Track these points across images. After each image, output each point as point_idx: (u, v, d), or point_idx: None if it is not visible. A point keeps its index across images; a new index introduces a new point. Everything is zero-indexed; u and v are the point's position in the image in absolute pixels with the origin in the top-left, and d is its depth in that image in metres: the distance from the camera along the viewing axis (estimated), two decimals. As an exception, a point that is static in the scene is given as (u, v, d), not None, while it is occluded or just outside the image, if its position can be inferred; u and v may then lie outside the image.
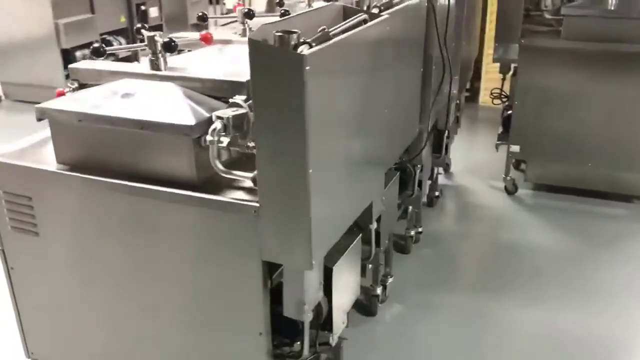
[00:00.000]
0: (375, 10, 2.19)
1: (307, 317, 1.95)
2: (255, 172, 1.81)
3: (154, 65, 2.15)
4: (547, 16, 4.30)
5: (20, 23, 6.49)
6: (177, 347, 2.18)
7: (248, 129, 1.88)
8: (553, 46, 4.10)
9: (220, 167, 1.87)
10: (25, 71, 6.66)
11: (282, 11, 2.68)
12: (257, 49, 1.62)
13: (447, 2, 2.95)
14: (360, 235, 2.39)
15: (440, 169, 4.57)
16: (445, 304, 3.31)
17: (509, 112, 4.53)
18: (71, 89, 2.27)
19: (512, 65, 4.71)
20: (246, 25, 2.58)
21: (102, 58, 2.15)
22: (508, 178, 4.59)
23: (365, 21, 1.99)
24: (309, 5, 3.12)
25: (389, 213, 2.87)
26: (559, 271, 3.64)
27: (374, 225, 2.61)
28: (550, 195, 4.58)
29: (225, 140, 1.86)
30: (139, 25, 2.27)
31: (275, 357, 2.09)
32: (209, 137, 1.82)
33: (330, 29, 1.77)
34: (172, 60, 2.30)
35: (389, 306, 3.33)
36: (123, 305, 2.22)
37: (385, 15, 2.11)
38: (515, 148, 4.47)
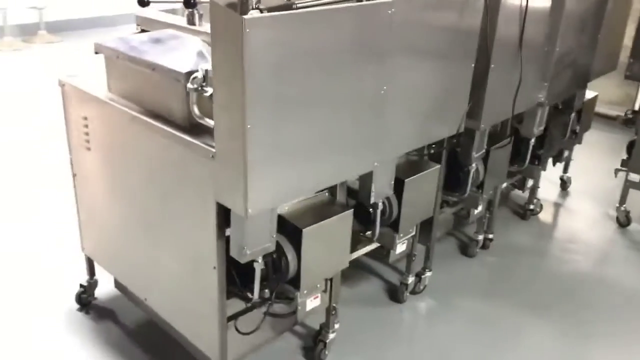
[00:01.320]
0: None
1: (245, 260, 2.13)
2: (219, 120, 2.02)
3: (190, 19, 2.45)
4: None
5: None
6: (157, 257, 2.54)
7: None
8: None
9: (197, 112, 2.11)
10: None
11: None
12: (214, 9, 1.82)
13: (522, 5, 2.83)
14: (352, 210, 2.47)
15: (547, 183, 4.32)
16: (480, 314, 3.22)
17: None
18: (135, 32, 2.66)
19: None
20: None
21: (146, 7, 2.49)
22: (622, 208, 4.19)
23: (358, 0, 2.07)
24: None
25: (418, 203, 2.89)
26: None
27: (379, 207, 2.68)
28: (664, 236, 4.11)
29: (210, 91, 2.09)
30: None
31: (229, 292, 2.30)
32: (188, 85, 2.08)
33: (301, 2, 1.90)
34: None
35: (421, 299, 3.33)
36: (135, 212, 2.60)
37: (390, -2, 2.15)
38: (635, 177, 4.07)
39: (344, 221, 2.46)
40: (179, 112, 2.24)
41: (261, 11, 1.80)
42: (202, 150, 2.08)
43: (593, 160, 5.11)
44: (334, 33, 2.01)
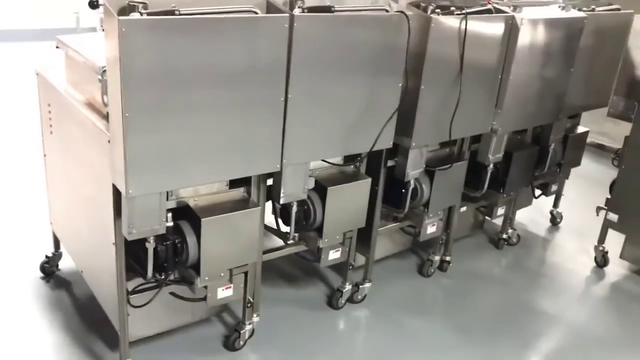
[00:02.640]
0: (297, 10, 2.43)
1: (131, 238, 2.36)
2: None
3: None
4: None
5: None
6: (84, 232, 2.81)
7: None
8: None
9: (106, 101, 2.38)
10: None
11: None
12: (105, 11, 2.09)
13: (461, 27, 2.92)
14: (259, 208, 2.66)
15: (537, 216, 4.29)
16: (411, 330, 3.29)
17: (618, 176, 4.03)
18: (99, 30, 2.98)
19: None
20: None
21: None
22: (600, 248, 4.10)
23: (254, 13, 2.28)
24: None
25: (343, 213, 3.01)
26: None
27: (293, 209, 2.84)
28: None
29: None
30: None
31: (127, 270, 2.55)
32: (98, 76, 2.35)
33: (186, 9, 2.13)
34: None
35: (356, 308, 3.43)
36: (72, 190, 2.90)
37: (286, 14, 2.34)
38: (613, 217, 3.97)
39: (250, 217, 2.64)
40: (100, 102, 2.52)
41: (141, 14, 2.04)
42: (103, 134, 2.35)
43: (590, 194, 4.95)
44: (222, 41, 2.22)
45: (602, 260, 4.10)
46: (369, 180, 3.05)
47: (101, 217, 2.54)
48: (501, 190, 3.78)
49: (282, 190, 2.71)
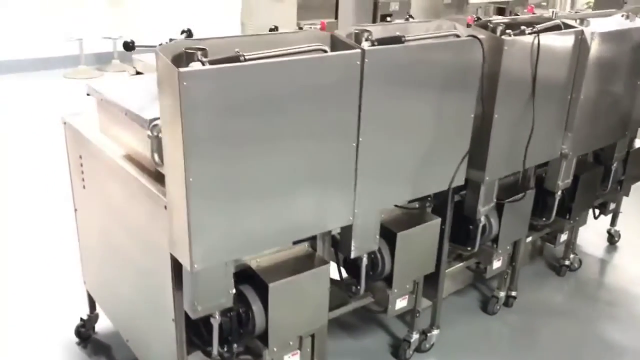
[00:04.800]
0: (366, 44, 2.14)
1: (196, 316, 2.06)
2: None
3: (174, 64, 2.44)
4: None
5: (272, 19, 7.38)
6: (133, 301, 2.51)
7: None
8: None
9: (157, 159, 2.08)
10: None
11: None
12: (158, 60, 1.79)
13: (534, 46, 2.64)
14: (328, 265, 2.36)
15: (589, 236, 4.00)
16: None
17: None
18: (131, 74, 2.70)
19: None
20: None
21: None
22: (668, 269, 3.81)
23: (324, 51, 1.99)
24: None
25: (414, 257, 2.73)
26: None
27: (363, 261, 2.54)
28: None
29: (172, 138, 2.06)
30: (184, 29, 2.57)
31: (192, 344, 2.24)
32: (147, 132, 2.05)
33: (250, 53, 1.84)
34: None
35: (426, 358, 3.13)
36: (116, 254, 2.60)
37: (358, 49, 2.06)
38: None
39: (320, 277, 2.35)
40: (146, 158, 2.22)
41: (203, 63, 1.75)
42: (158, 199, 2.05)
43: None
44: (291, 86, 1.93)
45: (672, 283, 3.81)
46: (439, 220, 2.76)
47: (155, 289, 2.24)
48: (567, 217, 3.49)
49: (352, 244, 2.41)
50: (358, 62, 2.06)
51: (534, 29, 2.66)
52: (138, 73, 2.70)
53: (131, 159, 2.34)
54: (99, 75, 8.48)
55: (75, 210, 2.96)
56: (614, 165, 3.69)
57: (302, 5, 7.05)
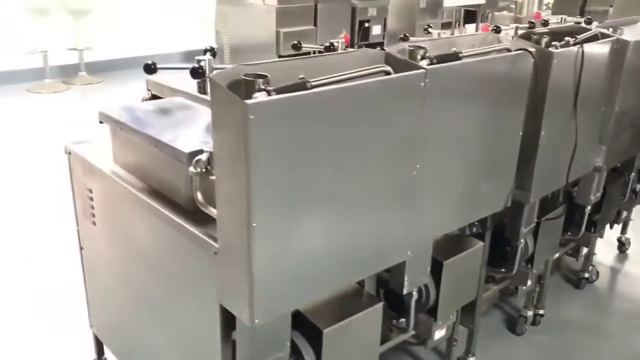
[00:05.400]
0: (424, 62, 1.95)
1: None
2: (223, 212, 1.76)
3: (201, 88, 2.21)
4: None
5: (251, 29, 7.13)
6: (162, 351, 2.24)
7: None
8: None
9: (200, 198, 1.84)
10: (249, 71, 7.31)
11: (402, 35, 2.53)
12: (215, 90, 1.56)
13: (577, 57, 2.50)
14: (382, 303, 2.16)
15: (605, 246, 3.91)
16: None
17: None
18: (145, 98, 2.44)
19: None
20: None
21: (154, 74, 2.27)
22: (690, 278, 3.74)
23: (388, 73, 1.79)
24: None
25: (459, 286, 2.55)
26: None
27: (413, 297, 2.35)
28: None
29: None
30: (207, 47, 2.34)
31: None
32: (191, 168, 1.81)
33: (315, 79, 1.63)
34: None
35: (461, 386, 2.96)
36: (140, 298, 2.34)
37: (422, 69, 1.86)
38: None
39: (373, 317, 2.14)
40: (183, 195, 1.98)
41: (269, 93, 1.53)
42: (205, 243, 1.81)
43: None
44: (354, 112, 1.73)
45: (694, 292, 3.75)
46: (482, 245, 2.59)
47: (195, 343, 2.00)
48: (593, 230, 3.37)
49: (405, 279, 2.22)
50: (422, 84, 1.87)
51: (576, 39, 2.52)
52: (154, 96, 2.44)
53: (160, 196, 2.08)
54: (65, 88, 8.05)
55: (82, 248, 2.68)
56: (632, 174, 3.60)
57: (281, 12, 6.83)
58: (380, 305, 2.16)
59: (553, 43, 2.43)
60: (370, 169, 1.83)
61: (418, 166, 1.99)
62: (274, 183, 1.59)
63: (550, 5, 9.48)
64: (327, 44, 2.57)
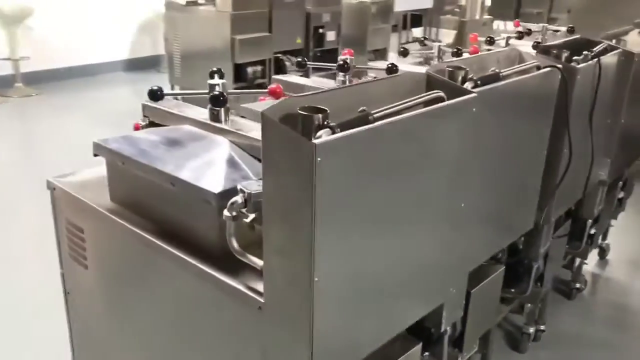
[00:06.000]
0: (469, 84, 1.80)
1: None
2: (265, 262, 1.55)
3: (213, 115, 1.98)
4: None
5: (204, 36, 6.84)
6: None
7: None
8: None
9: (235, 246, 1.63)
10: (202, 80, 6.98)
11: (389, 66, 2.38)
12: (269, 129, 1.35)
13: (595, 71, 2.42)
14: (419, 344, 2.00)
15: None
16: None
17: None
18: (142, 125, 2.19)
19: None
20: (343, 77, 2.32)
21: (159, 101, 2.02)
22: (676, 282, 3.77)
23: (441, 99, 1.63)
24: (439, 57, 2.76)
25: (483, 313, 2.42)
26: None
27: (447, 332, 2.20)
28: None
29: (251, 217, 1.61)
30: (214, 69, 2.11)
31: None
32: (226, 212, 1.59)
33: (376, 111, 1.45)
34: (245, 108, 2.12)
35: (476, 414, 2.84)
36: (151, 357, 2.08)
37: (473, 93, 1.71)
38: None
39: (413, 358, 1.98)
40: (208, 239, 1.75)
41: (333, 130, 1.33)
42: (246, 297, 1.59)
43: (629, 223, 4.68)
44: (414, 142, 1.56)
45: (679, 296, 3.78)
46: (503, 268, 2.47)
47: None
48: (590, 242, 3.34)
49: (444, 316, 2.06)
50: (474, 109, 1.72)
51: (593, 53, 2.44)
52: (152, 123, 2.18)
53: (175, 239, 1.83)
54: (2, 101, 7.51)
55: (67, 293, 2.39)
56: (620, 184, 3.59)
57: (236, 19, 6.58)
58: (419, 347, 1.99)
59: (574, 58, 2.34)
60: (429, 203, 1.66)
61: (465, 195, 1.84)
62: (338, 230, 1.40)
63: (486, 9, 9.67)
64: (340, 62, 2.37)
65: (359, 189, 1.43)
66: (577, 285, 3.77)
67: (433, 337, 2.20)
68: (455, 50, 2.65)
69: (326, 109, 1.39)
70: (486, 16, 9.72)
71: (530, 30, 3.72)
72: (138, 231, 1.87)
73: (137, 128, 2.24)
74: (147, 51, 9.30)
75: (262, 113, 1.35)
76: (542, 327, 3.33)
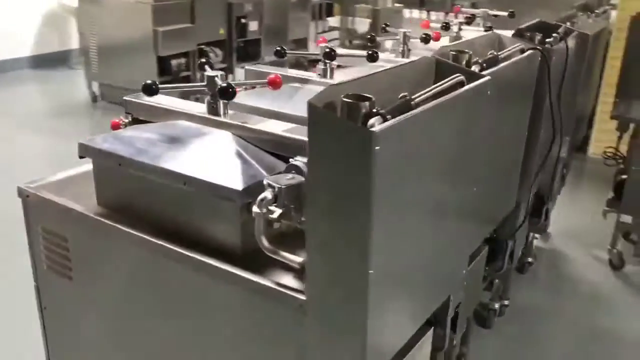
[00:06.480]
0: (476, 68, 1.82)
1: None
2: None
3: (212, 109, 1.88)
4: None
5: (123, 29, 6.54)
6: None
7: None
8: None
9: (266, 244, 1.56)
10: (123, 75, 6.69)
11: (371, 52, 2.36)
12: (317, 119, 1.30)
13: (565, 53, 2.52)
14: (432, 329, 2.01)
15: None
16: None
17: (623, 176, 3.98)
18: (124, 122, 2.04)
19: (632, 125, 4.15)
20: (327, 65, 2.28)
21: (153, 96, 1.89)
22: (615, 251, 4.02)
23: (462, 84, 1.63)
24: (404, 44, 2.77)
25: (470, 294, 2.47)
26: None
27: (450, 315, 2.23)
28: (663, 277, 3.99)
29: (277, 212, 1.55)
30: (203, 60, 2.01)
31: None
32: (255, 209, 1.52)
33: (414, 95, 1.43)
34: (240, 98, 2.03)
35: (458, 392, 2.90)
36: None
37: (486, 76, 1.73)
38: (627, 218, 3.90)
39: (425, 344, 1.99)
40: (228, 238, 1.66)
41: (384, 117, 1.30)
42: (281, 296, 1.52)
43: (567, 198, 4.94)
44: (446, 127, 1.55)
45: (619, 263, 4.03)
46: (487, 247, 2.53)
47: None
48: (545, 218, 3.49)
49: (451, 299, 2.08)
50: (489, 92, 1.73)
51: (560, 35, 2.54)
52: (136, 120, 2.04)
53: (184, 241, 1.73)
54: None
55: (44, 308, 2.21)
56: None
57: (157, 10, 6.34)
58: (432, 331, 2.01)
59: (547, 40, 2.42)
60: (458, 188, 1.67)
61: (476, 178, 1.86)
62: (389, 220, 1.37)
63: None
64: (327, 50, 2.30)
65: (406, 176, 1.41)
66: (529, 259, 3.94)
67: (438, 322, 2.23)
68: (423, 36, 2.67)
69: (371, 96, 1.35)
70: (397, 4, 9.95)
71: (473, 15, 3.83)
72: (145, 237, 1.74)
73: (115, 126, 2.08)
74: (54, 46, 8.76)
75: (310, 103, 1.29)
76: (506, 302, 3.46)
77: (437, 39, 2.93)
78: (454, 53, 1.87)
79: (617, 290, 3.89)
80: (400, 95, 1.41)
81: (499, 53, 2.00)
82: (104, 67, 6.83)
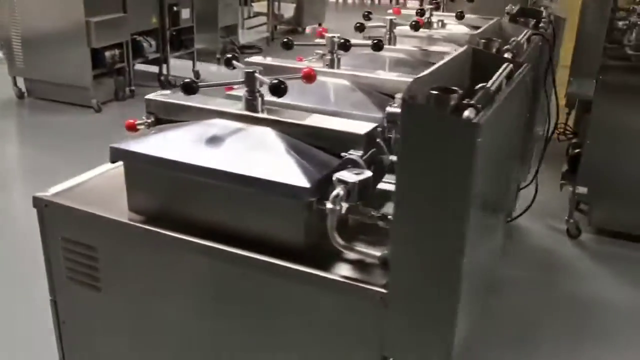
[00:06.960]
0: (508, 55, 1.88)
1: None
2: (385, 251, 1.51)
3: (251, 105, 1.84)
4: (630, 52, 3.97)
5: (50, 19, 6.18)
6: None
7: (371, 194, 1.58)
8: (635, 84, 3.79)
9: (340, 240, 1.56)
10: (52, 69, 6.34)
11: (376, 41, 2.37)
12: (414, 113, 1.31)
13: (552, 37, 2.64)
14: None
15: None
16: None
17: (577, 150, 4.22)
18: (146, 123, 1.95)
19: (578, 100, 4.42)
20: (335, 56, 2.27)
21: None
22: (571, 221, 4.27)
23: (512, 72, 1.68)
24: (390, 30, 2.80)
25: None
26: (628, 331, 3.33)
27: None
28: (616, 242, 4.25)
29: (344, 207, 1.55)
30: (229, 55, 1.95)
31: None
32: (329, 205, 1.51)
33: (489, 85, 1.46)
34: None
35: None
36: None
37: (525, 64, 1.79)
38: (583, 190, 4.15)
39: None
40: (291, 236, 1.63)
41: (477, 109, 1.32)
42: (360, 290, 1.53)
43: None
44: (509, 114, 1.61)
45: (576, 232, 4.29)
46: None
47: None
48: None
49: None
50: (528, 79, 1.80)
51: (548, 19, 2.66)
52: (159, 121, 1.94)
53: (237, 243, 1.68)
54: None
55: (62, 322, 2.09)
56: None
57: (88, 1, 6.03)
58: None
59: (540, 26, 2.52)
60: (500, 178, 1.72)
61: (508, 163, 1.94)
62: (474, 207, 1.40)
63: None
64: (342, 41, 2.26)
65: (481, 167, 1.44)
66: (500, 235, 4.12)
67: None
68: (412, 23, 2.70)
69: (457, 88, 1.38)
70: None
71: (438, 2, 3.90)
72: (208, 243, 1.68)
73: (132, 127, 1.98)
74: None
75: (404, 99, 1.30)
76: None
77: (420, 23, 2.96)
78: (484, 41, 1.92)
79: (575, 257, 4.14)
80: (479, 85, 1.44)
81: (519, 39, 2.07)
82: (30, 62, 6.44)
